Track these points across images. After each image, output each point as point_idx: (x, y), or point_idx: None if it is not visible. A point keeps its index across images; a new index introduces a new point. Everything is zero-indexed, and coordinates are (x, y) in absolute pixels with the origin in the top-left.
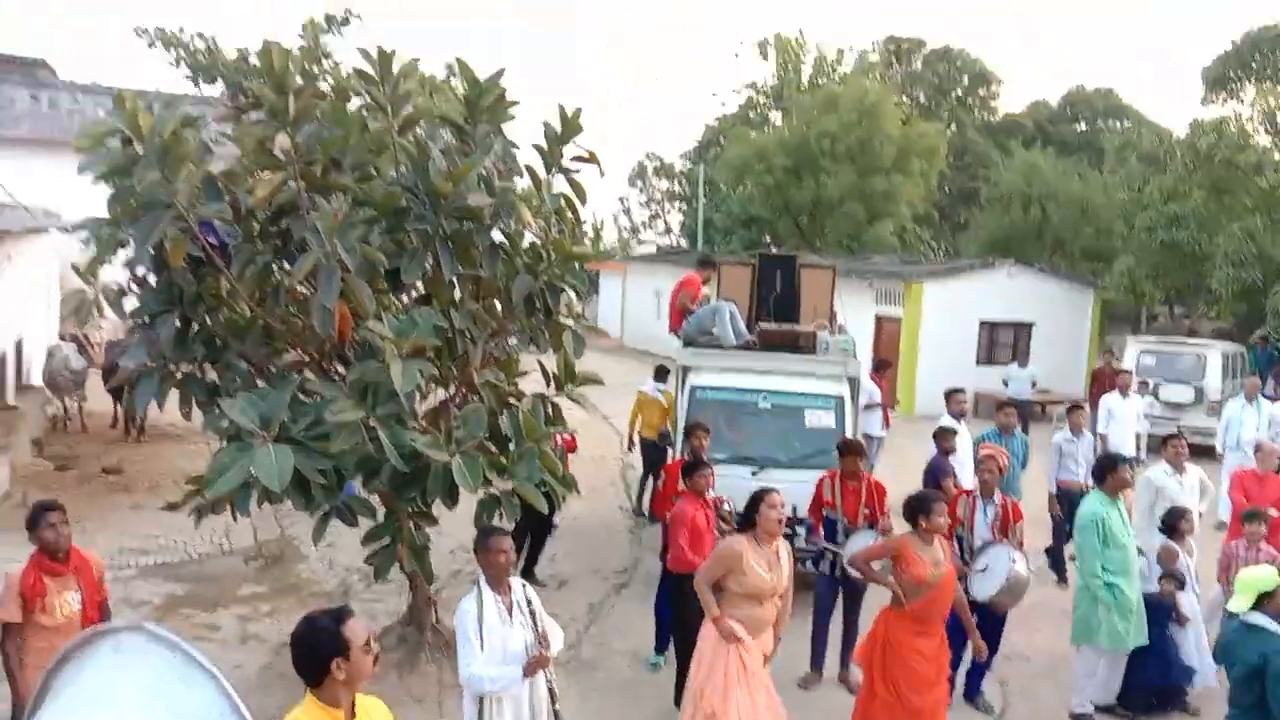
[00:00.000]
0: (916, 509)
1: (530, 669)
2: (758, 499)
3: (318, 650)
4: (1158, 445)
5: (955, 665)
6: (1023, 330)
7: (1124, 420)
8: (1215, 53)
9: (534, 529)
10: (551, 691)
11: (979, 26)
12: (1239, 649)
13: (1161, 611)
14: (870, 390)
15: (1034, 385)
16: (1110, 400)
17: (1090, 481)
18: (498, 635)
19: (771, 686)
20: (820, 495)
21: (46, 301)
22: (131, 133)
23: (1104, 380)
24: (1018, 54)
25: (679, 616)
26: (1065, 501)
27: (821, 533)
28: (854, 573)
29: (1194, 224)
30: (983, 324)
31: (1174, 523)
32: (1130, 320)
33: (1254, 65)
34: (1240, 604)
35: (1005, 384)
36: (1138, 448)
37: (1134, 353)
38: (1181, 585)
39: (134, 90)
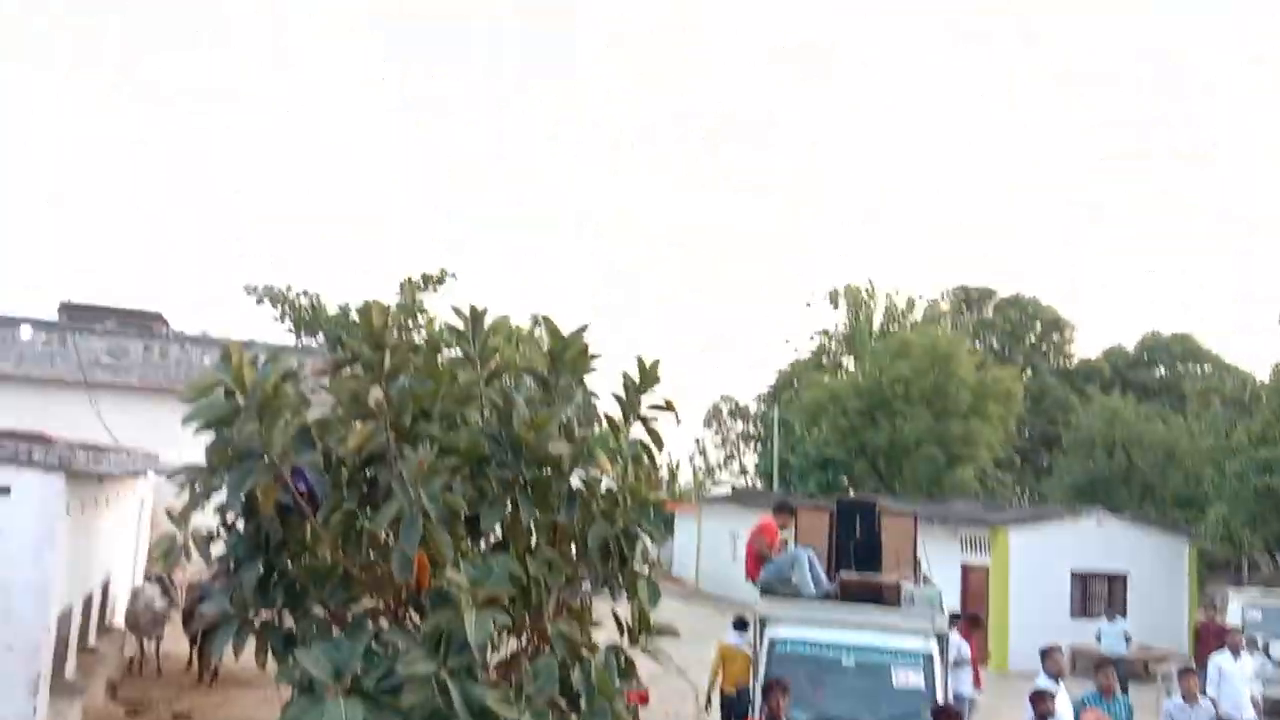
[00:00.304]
0: None
1: None
2: None
3: None
4: (1273, 708)
5: None
6: (1116, 581)
7: (1236, 682)
8: None
9: None
10: None
11: (1046, 275)
12: None
13: None
14: (959, 646)
15: (1129, 640)
16: (1220, 660)
17: None
18: None
19: None
20: None
21: (136, 543)
22: (236, 386)
23: (1209, 636)
24: (1088, 300)
25: None
26: None
27: None
28: None
29: None
30: (1074, 575)
31: None
32: (1229, 569)
33: None
34: None
35: (1098, 639)
36: (1256, 710)
37: (1238, 606)
38: None
39: (240, 341)
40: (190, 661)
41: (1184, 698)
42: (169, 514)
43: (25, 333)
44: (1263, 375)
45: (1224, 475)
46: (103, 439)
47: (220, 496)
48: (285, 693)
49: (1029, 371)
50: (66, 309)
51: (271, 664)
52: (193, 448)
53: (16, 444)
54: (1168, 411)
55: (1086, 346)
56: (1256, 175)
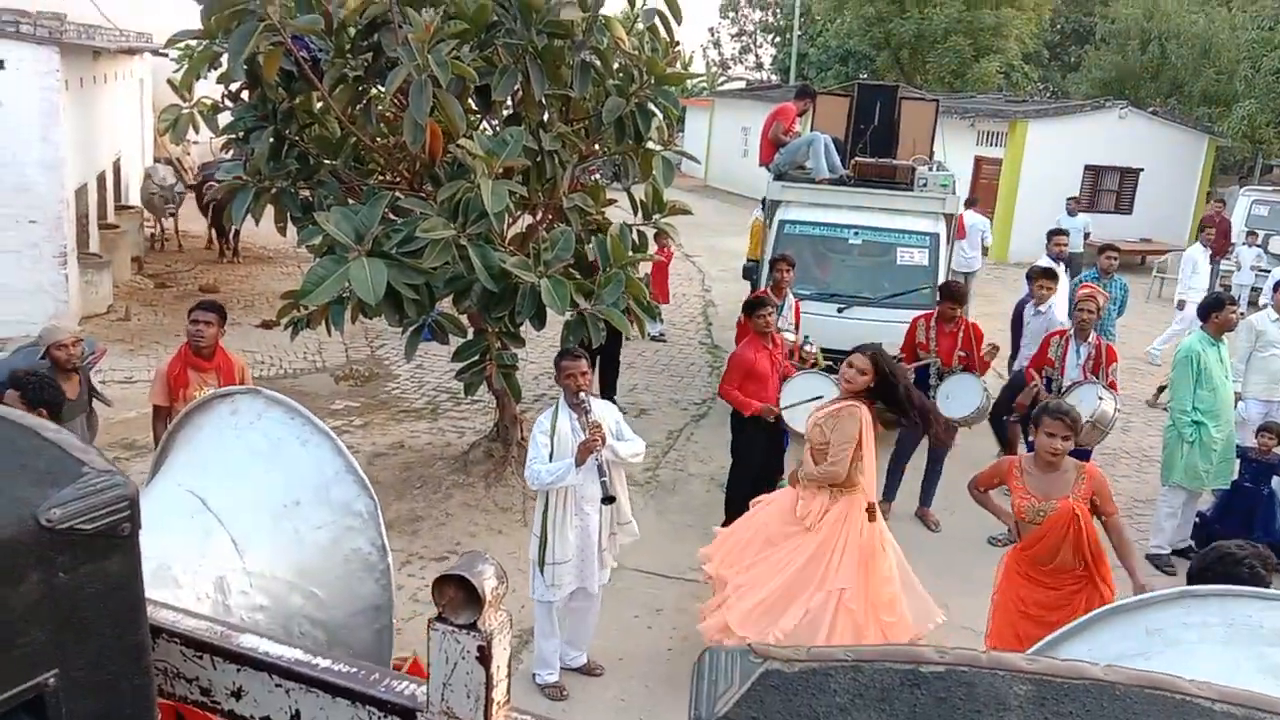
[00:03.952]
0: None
1: (580, 456)
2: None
3: None
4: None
5: None
6: (1130, 175)
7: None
8: None
9: (601, 359)
10: (605, 486)
11: None
12: None
13: (1263, 467)
14: (982, 225)
15: (1087, 235)
16: (1194, 253)
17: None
18: (568, 444)
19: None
20: (913, 337)
21: (141, 124)
22: None
23: (1212, 228)
24: None
25: (733, 446)
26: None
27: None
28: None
29: None
30: (1087, 168)
31: None
32: (1240, 171)
33: None
34: None
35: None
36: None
37: (1245, 203)
38: None
39: None
40: (210, 240)
41: (1034, 302)
42: (170, 84)
43: None
44: None
45: (1259, 71)
46: (91, 18)
47: (220, 68)
48: (305, 266)
49: None
50: None
51: (291, 235)
52: (186, 23)
53: (2, 19)
54: (1212, 4)
55: None
56: None
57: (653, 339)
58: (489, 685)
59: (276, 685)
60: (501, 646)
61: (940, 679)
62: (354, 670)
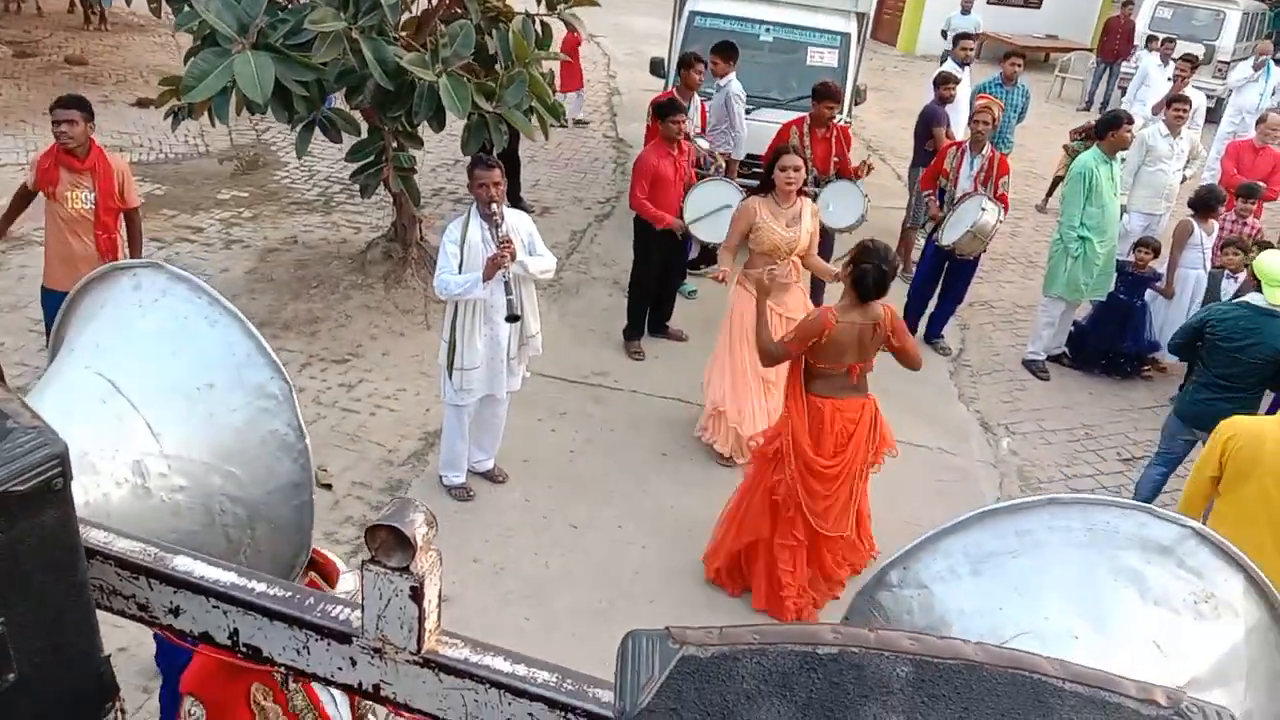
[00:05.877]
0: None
1: (488, 270)
2: (775, 159)
3: None
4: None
5: (920, 312)
6: None
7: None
8: None
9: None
10: (510, 304)
11: None
12: (1264, 333)
13: (1138, 280)
14: None
15: (975, 31)
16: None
17: None
18: (478, 256)
19: None
20: (784, 141)
21: None
22: None
23: (1116, 31)
24: None
25: (635, 249)
26: None
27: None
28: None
29: None
30: None
31: (1208, 200)
32: None
33: None
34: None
35: (943, 35)
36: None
37: (1150, 5)
38: (1156, 254)
39: None
40: (73, 4)
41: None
42: None
43: None
44: None
45: None
46: None
47: None
48: (182, 40)
49: None
50: None
51: (167, 12)
52: None
53: None
54: None
55: None
56: None
57: (577, 123)
58: (421, 617)
59: (214, 606)
60: (433, 583)
61: (834, 661)
62: (290, 595)
